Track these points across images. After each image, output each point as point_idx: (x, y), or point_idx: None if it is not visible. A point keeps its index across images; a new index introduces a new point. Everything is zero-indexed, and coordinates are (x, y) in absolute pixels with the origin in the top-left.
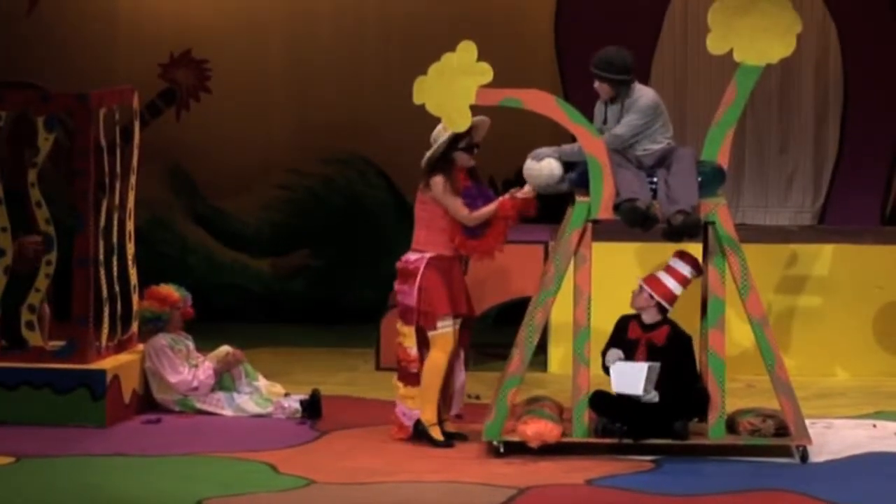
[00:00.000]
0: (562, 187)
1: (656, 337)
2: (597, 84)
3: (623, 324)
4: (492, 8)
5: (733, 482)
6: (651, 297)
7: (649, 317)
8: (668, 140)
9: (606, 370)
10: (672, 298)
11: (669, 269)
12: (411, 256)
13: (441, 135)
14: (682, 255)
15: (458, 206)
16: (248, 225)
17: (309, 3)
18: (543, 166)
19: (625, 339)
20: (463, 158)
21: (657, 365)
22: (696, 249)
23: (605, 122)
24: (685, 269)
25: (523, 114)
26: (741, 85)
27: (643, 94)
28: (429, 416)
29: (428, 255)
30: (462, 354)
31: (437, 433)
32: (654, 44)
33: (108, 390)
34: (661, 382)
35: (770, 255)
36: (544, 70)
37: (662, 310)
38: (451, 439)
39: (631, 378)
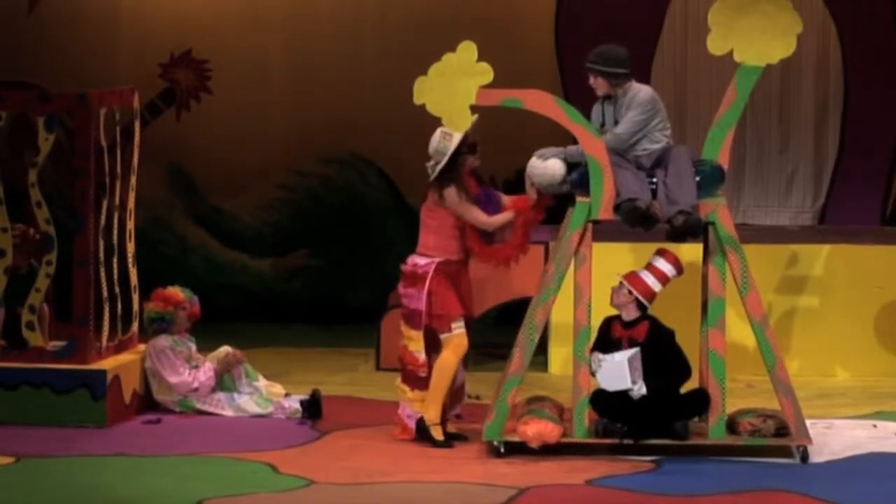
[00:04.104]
0: (563, 189)
1: (637, 334)
2: (592, 79)
3: (606, 324)
4: (492, 8)
5: (733, 482)
6: (630, 292)
7: (628, 314)
8: (667, 139)
9: (593, 374)
10: (650, 295)
11: (650, 267)
12: (419, 261)
13: (441, 145)
14: (664, 254)
15: (475, 214)
16: (247, 225)
17: (309, 3)
18: (548, 166)
19: (608, 338)
20: (468, 161)
21: (635, 351)
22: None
23: (603, 123)
24: (666, 268)
25: (524, 114)
26: (741, 85)
27: (640, 90)
28: (432, 415)
29: (437, 259)
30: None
31: (438, 433)
32: (654, 44)
33: (109, 390)
34: (649, 378)
35: (770, 255)
36: (544, 70)
37: (641, 306)
38: (451, 440)
39: (617, 375)
